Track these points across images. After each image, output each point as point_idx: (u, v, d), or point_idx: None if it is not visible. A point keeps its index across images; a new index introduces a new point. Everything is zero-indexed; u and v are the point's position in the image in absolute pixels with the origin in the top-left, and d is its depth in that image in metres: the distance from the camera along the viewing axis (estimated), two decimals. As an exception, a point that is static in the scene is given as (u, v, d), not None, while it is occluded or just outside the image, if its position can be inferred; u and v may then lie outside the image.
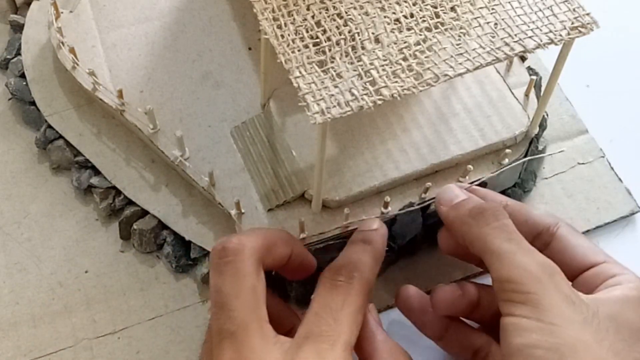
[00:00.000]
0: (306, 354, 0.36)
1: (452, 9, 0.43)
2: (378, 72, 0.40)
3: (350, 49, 0.41)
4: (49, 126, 0.54)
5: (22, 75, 0.56)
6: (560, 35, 0.42)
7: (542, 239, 0.43)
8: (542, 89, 0.49)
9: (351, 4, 0.43)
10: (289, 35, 0.41)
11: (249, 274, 0.38)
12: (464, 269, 0.50)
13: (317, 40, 0.41)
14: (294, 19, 0.42)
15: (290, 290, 0.48)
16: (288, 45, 0.41)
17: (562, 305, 0.37)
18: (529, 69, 0.56)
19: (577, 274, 0.42)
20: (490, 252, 0.39)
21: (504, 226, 0.40)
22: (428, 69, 0.40)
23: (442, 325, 0.43)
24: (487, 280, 0.43)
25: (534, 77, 0.52)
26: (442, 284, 0.44)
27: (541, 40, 0.42)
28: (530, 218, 0.44)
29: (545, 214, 0.45)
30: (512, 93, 0.51)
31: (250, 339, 0.36)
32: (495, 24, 0.42)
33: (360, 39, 0.41)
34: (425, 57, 0.41)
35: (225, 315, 0.37)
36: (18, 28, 0.58)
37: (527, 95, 0.52)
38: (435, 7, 0.43)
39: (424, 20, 0.42)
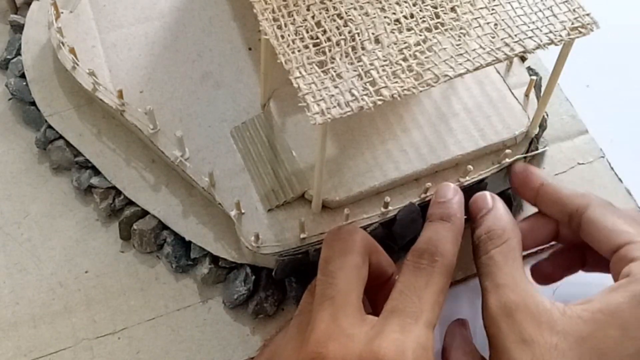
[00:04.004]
0: (392, 327, 0.38)
1: (452, 9, 0.43)
2: (378, 72, 0.40)
3: (350, 49, 0.41)
4: (49, 126, 0.54)
5: (22, 76, 0.56)
6: (560, 35, 0.42)
7: (574, 221, 0.44)
8: (542, 89, 0.49)
9: (351, 4, 0.43)
10: (289, 35, 0.41)
11: (356, 254, 0.41)
12: (464, 269, 0.50)
13: (317, 40, 0.41)
14: (294, 20, 0.42)
15: (290, 290, 0.48)
16: (288, 46, 0.41)
17: (512, 347, 0.39)
18: (529, 69, 0.56)
19: (609, 256, 0.42)
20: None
21: (487, 260, 0.42)
22: (428, 69, 0.40)
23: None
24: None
25: (534, 77, 0.53)
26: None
27: (541, 41, 0.42)
28: (560, 200, 0.45)
29: (576, 194, 0.45)
30: (512, 93, 0.51)
31: (346, 306, 0.39)
32: (495, 24, 0.42)
33: (360, 39, 0.41)
34: (425, 57, 0.41)
35: (328, 282, 0.40)
36: (18, 28, 0.58)
37: (527, 95, 0.52)
38: (435, 8, 0.43)
39: (424, 21, 0.42)
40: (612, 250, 0.41)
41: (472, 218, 0.45)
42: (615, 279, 0.41)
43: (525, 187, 0.47)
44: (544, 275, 0.48)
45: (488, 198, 0.45)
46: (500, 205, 0.45)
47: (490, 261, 0.42)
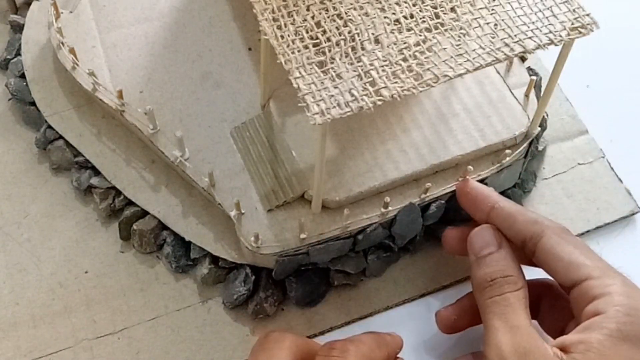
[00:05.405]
0: None
1: (452, 9, 0.43)
2: (378, 72, 0.40)
3: (350, 49, 0.41)
4: (49, 126, 0.54)
5: (22, 76, 0.56)
6: (560, 35, 0.42)
7: (528, 248, 0.43)
8: (542, 89, 0.49)
9: (351, 4, 0.43)
10: (288, 35, 0.41)
11: None
12: (464, 269, 0.50)
13: (317, 40, 0.41)
14: (293, 20, 0.42)
15: (290, 291, 0.48)
16: (288, 46, 0.41)
17: None
18: (529, 69, 0.56)
19: (566, 289, 0.42)
20: (484, 327, 0.41)
21: (502, 300, 0.41)
22: (428, 69, 0.40)
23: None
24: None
25: (534, 78, 0.52)
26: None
27: (541, 41, 0.42)
28: (513, 226, 0.44)
29: (530, 219, 0.44)
30: (512, 93, 0.51)
31: None
32: (495, 24, 0.42)
33: (360, 39, 0.41)
34: (425, 57, 0.41)
35: None
36: (18, 28, 0.58)
37: (527, 95, 0.52)
38: (435, 8, 0.43)
39: (424, 21, 0.42)
40: (572, 283, 0.41)
41: (474, 252, 0.44)
42: (577, 314, 0.40)
43: (476, 210, 0.46)
44: (450, 324, 0.47)
45: (495, 237, 0.44)
46: (508, 249, 0.44)
47: (505, 302, 0.41)
